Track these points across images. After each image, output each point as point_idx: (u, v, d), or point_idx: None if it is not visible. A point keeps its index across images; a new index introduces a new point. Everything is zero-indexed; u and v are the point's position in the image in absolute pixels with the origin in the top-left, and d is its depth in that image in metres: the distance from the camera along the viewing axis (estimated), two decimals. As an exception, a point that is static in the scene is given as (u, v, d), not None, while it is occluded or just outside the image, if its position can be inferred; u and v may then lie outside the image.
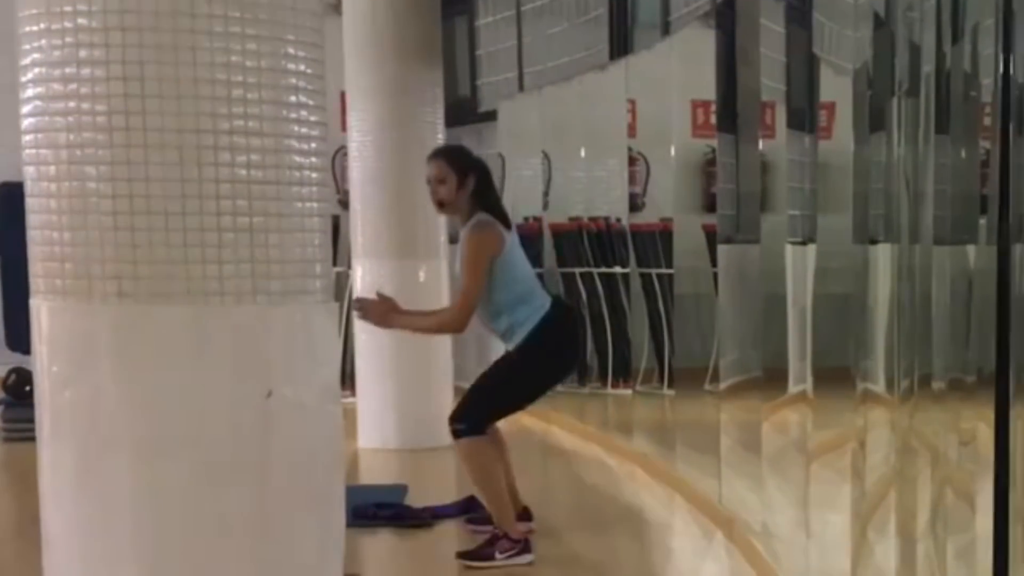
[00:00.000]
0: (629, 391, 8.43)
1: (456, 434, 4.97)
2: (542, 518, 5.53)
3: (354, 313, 5.14)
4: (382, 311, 5.05)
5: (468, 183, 5.02)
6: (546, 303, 5.06)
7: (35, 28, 2.53)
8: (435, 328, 5.04)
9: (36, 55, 2.54)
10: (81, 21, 2.48)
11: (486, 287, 4.94)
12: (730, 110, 5.57)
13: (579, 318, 5.51)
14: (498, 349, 5.33)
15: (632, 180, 8.77)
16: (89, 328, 2.57)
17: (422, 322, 5.08)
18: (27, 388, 7.25)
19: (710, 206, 6.70)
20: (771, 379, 4.95)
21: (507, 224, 5.11)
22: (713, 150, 6.53)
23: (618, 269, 8.89)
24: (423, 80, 7.66)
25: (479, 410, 5.02)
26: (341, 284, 8.27)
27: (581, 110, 9.01)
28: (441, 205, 5.11)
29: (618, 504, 6.21)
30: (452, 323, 5.03)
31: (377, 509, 5.65)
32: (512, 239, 5.05)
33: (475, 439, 4.96)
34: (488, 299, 4.99)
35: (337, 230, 8.56)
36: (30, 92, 2.56)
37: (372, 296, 5.22)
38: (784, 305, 4.64)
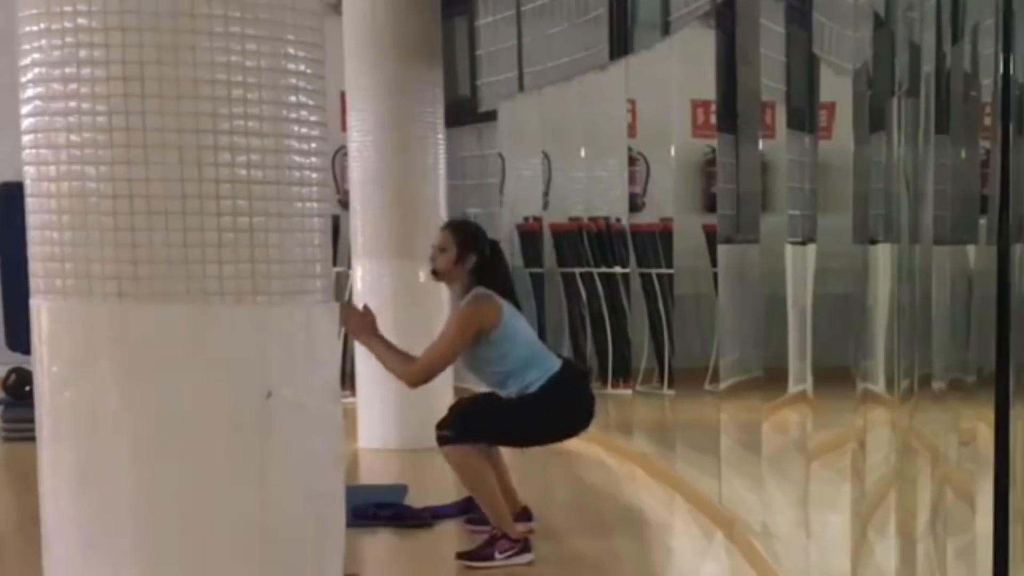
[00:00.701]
0: (629, 391, 8.42)
1: (441, 440, 4.99)
2: (542, 518, 5.53)
3: (343, 313, 5.15)
4: (361, 324, 5.07)
5: (467, 260, 5.06)
6: (555, 366, 5.09)
7: (35, 28, 2.53)
8: (394, 371, 5.05)
9: (36, 55, 2.54)
10: (81, 21, 2.48)
11: (488, 358, 5.00)
12: (730, 110, 5.57)
13: (589, 381, 5.51)
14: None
15: (632, 180, 8.77)
16: (89, 328, 2.57)
17: (386, 358, 5.06)
18: (27, 388, 7.25)
19: (710, 206, 6.70)
20: (771, 379, 4.95)
21: (512, 299, 5.12)
22: (713, 150, 6.53)
23: (618, 269, 8.89)
24: (423, 80, 7.66)
25: (468, 428, 5.02)
26: (341, 284, 8.27)
27: (581, 110, 9.01)
28: (435, 273, 5.17)
29: (618, 504, 6.21)
30: (410, 378, 5.02)
31: (377, 509, 5.65)
32: (511, 311, 5.06)
33: (459, 446, 4.97)
34: (490, 369, 5.05)
35: (337, 230, 8.56)
36: (30, 92, 2.56)
37: (360, 305, 5.25)
38: (784, 305, 4.64)
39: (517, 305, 5.18)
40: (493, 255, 5.19)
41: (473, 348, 5.00)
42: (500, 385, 5.08)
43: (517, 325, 5.08)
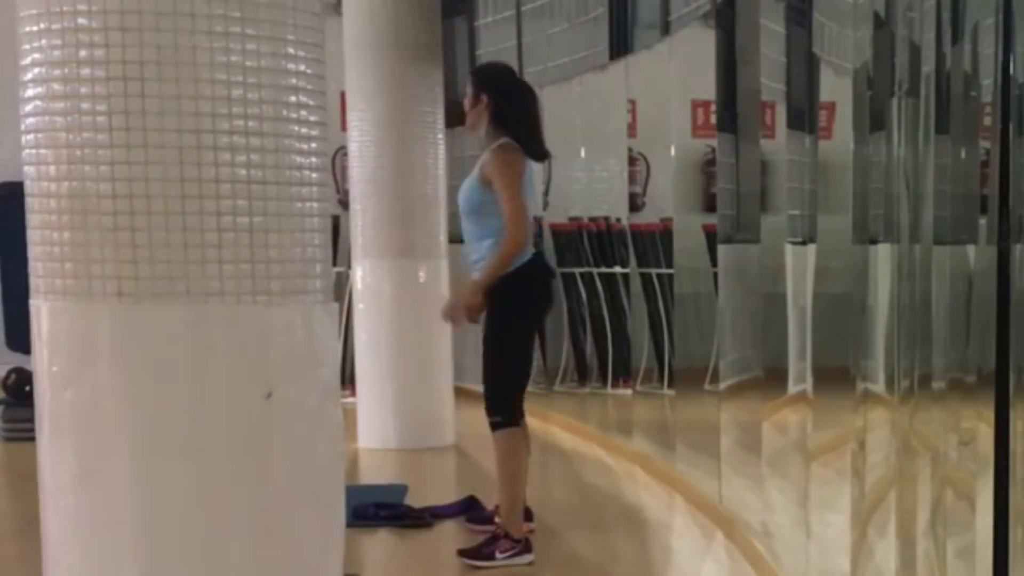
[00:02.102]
0: (629, 391, 8.42)
1: (494, 426, 4.97)
2: (542, 518, 5.53)
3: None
4: (467, 302, 5.02)
5: (480, 102, 5.01)
6: (528, 252, 5.01)
7: (35, 28, 2.53)
8: (507, 255, 4.90)
9: (36, 55, 2.54)
10: (81, 21, 2.48)
11: (487, 206, 4.91)
12: (730, 110, 5.58)
13: (552, 272, 5.43)
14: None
15: (632, 180, 8.76)
16: (89, 328, 2.57)
17: (496, 262, 4.94)
18: (27, 388, 7.25)
19: (710, 206, 6.69)
20: (771, 379, 4.95)
21: (536, 156, 5.04)
22: (713, 150, 6.53)
23: (618, 269, 8.89)
24: (423, 80, 7.66)
25: (503, 392, 5.00)
26: (341, 284, 8.27)
27: (581, 110, 9.01)
28: (463, 123, 5.17)
29: (618, 504, 6.21)
30: (516, 241, 4.87)
31: (377, 509, 5.65)
32: (529, 173, 4.99)
33: (510, 432, 4.95)
34: (485, 220, 4.95)
35: (337, 230, 8.56)
36: (30, 92, 2.56)
37: (450, 303, 5.23)
38: (784, 305, 4.64)
39: (538, 156, 5.06)
40: (521, 98, 5.06)
41: (484, 191, 4.93)
42: (478, 239, 4.98)
43: (528, 189, 5.02)
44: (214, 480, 2.60)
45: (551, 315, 9.06)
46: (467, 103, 5.09)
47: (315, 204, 2.68)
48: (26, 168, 2.61)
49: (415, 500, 5.95)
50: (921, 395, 3.32)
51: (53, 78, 2.52)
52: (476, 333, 7.17)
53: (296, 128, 2.63)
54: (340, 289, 8.21)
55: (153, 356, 2.56)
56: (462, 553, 5.02)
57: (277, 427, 2.63)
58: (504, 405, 4.98)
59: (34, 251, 2.62)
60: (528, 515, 5.37)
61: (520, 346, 5.15)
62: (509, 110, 5.03)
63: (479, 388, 5.37)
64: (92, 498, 2.61)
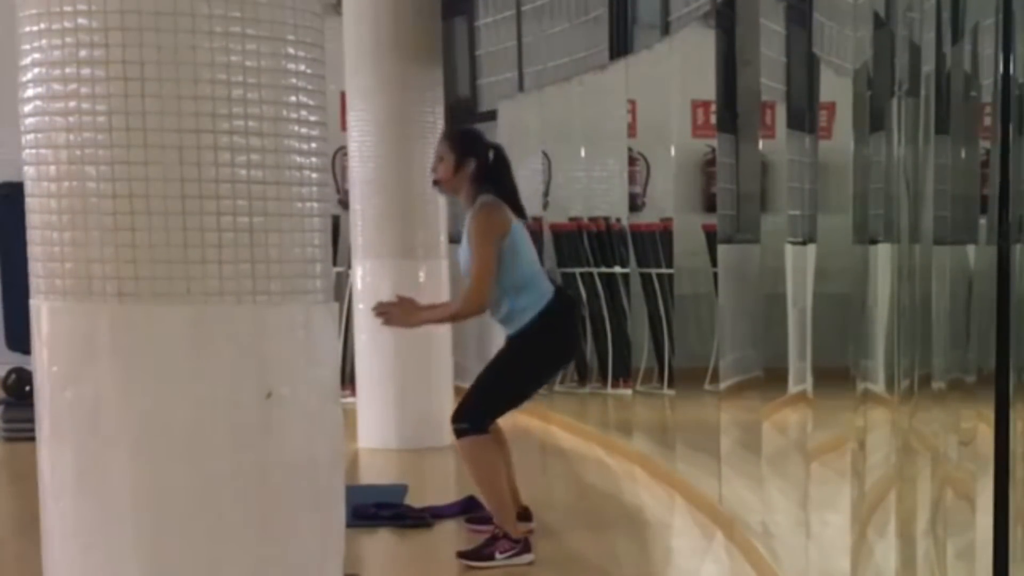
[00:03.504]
0: (629, 391, 8.42)
1: (459, 433, 4.98)
2: (542, 518, 5.53)
3: (377, 320, 5.14)
4: (405, 311, 5.06)
5: (466, 166, 5.03)
6: (549, 292, 5.05)
7: (35, 28, 2.53)
8: (457, 314, 5.01)
9: (36, 55, 2.54)
10: (81, 21, 2.49)
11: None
12: (730, 110, 5.57)
13: (579, 310, 5.51)
14: (498, 347, 5.32)
15: (632, 180, 8.76)
16: (89, 328, 2.57)
17: (444, 312, 5.07)
18: (27, 388, 7.25)
19: (710, 206, 6.69)
20: (771, 379, 4.95)
21: (518, 212, 5.09)
22: (713, 150, 6.53)
23: (618, 269, 8.88)
24: (423, 80, 7.66)
25: (481, 408, 5.02)
26: (341, 284, 8.28)
27: (581, 110, 9.01)
28: (436, 183, 5.15)
29: (618, 504, 6.21)
30: (471, 303, 4.94)
31: (377, 509, 5.65)
32: (519, 226, 5.04)
33: (478, 438, 4.96)
34: (495, 282, 4.96)
35: (337, 230, 8.56)
36: (30, 92, 2.56)
37: (391, 299, 5.20)
38: (784, 305, 4.64)
39: (522, 214, 5.12)
40: (497, 160, 5.15)
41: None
42: (496, 302, 5.01)
43: (523, 239, 5.05)
44: (214, 480, 2.60)
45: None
46: (446, 168, 5.07)
47: (315, 204, 2.68)
48: (26, 168, 2.61)
49: (415, 500, 5.95)
50: (921, 395, 3.32)
51: (53, 78, 2.52)
52: (477, 334, 7.17)
53: (296, 128, 2.63)
54: (340, 289, 8.22)
55: (153, 356, 2.56)
56: (462, 555, 5.02)
57: (277, 427, 2.63)
58: (476, 417, 4.99)
59: (34, 251, 2.62)
60: (527, 515, 5.37)
61: (525, 385, 5.21)
62: (494, 172, 5.10)
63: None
64: (92, 498, 2.61)
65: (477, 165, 5.04)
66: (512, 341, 5.05)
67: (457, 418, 5.01)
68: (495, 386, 5.09)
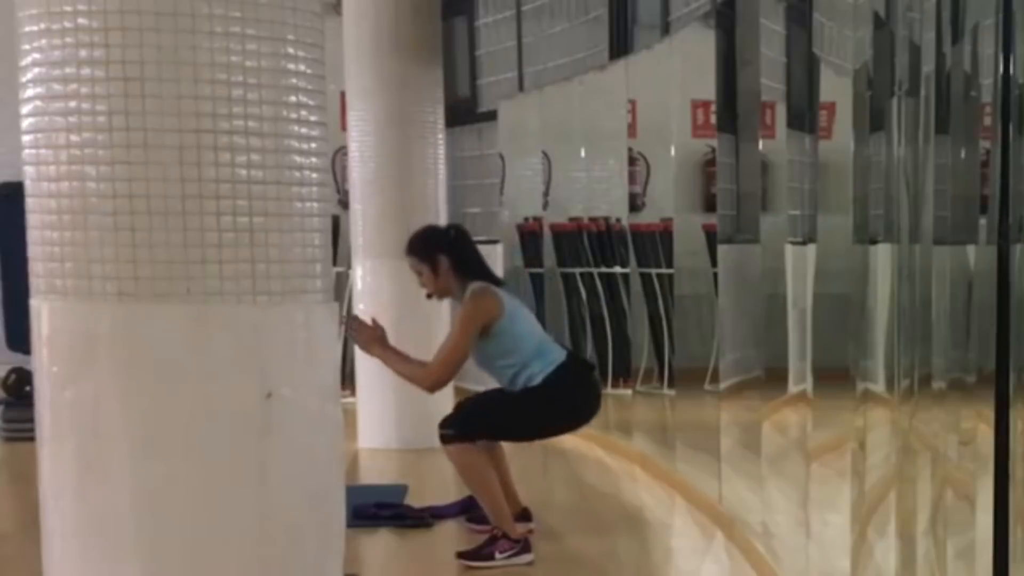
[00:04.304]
0: (629, 391, 8.42)
1: (443, 439, 5.00)
2: (542, 518, 5.53)
3: (344, 328, 5.18)
4: (370, 337, 5.09)
5: (441, 264, 5.05)
6: (560, 356, 5.08)
7: (35, 28, 2.53)
8: (409, 378, 5.06)
9: (36, 55, 2.54)
10: (81, 21, 2.48)
11: (494, 352, 4.99)
12: (730, 110, 5.57)
13: (594, 373, 5.52)
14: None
15: (632, 180, 8.76)
16: (89, 328, 2.57)
17: (400, 366, 5.08)
18: (27, 388, 7.24)
19: (710, 206, 6.69)
20: (771, 379, 4.95)
21: (497, 282, 5.14)
22: (713, 150, 6.53)
23: (618, 269, 8.88)
24: (423, 80, 7.66)
25: (473, 425, 5.04)
26: (341, 284, 8.27)
27: (581, 110, 9.01)
28: (430, 296, 5.19)
29: (618, 504, 6.21)
30: (426, 382, 5.02)
31: (377, 509, 5.65)
32: (514, 303, 5.06)
33: (462, 444, 4.98)
34: (497, 363, 5.04)
35: (337, 230, 8.56)
36: (30, 92, 2.56)
37: (368, 319, 5.24)
38: (784, 305, 4.64)
39: (495, 279, 5.15)
40: (458, 240, 5.17)
41: (481, 344, 5.00)
42: (511, 381, 5.07)
43: (520, 316, 5.08)
44: (214, 480, 2.60)
45: (551, 314, 9.10)
46: (428, 278, 5.09)
47: (315, 204, 2.68)
48: (26, 168, 2.61)
49: (415, 500, 5.95)
50: (921, 395, 3.32)
51: (53, 78, 2.52)
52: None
53: (296, 128, 2.63)
54: (340, 289, 8.21)
55: (153, 356, 2.56)
56: (462, 555, 5.02)
57: (277, 427, 2.63)
58: (467, 429, 5.01)
59: (34, 251, 2.62)
60: (527, 515, 5.38)
61: (527, 430, 5.27)
62: (464, 255, 5.12)
63: (476, 389, 5.38)
64: (92, 498, 2.61)
65: (448, 256, 5.06)
66: (525, 391, 5.07)
67: (445, 424, 5.02)
68: (496, 416, 5.12)
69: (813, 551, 4.23)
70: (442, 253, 5.07)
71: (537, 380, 5.02)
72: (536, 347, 5.07)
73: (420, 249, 5.13)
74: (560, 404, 5.12)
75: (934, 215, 3.24)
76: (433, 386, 5.04)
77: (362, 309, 7.68)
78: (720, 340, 5.93)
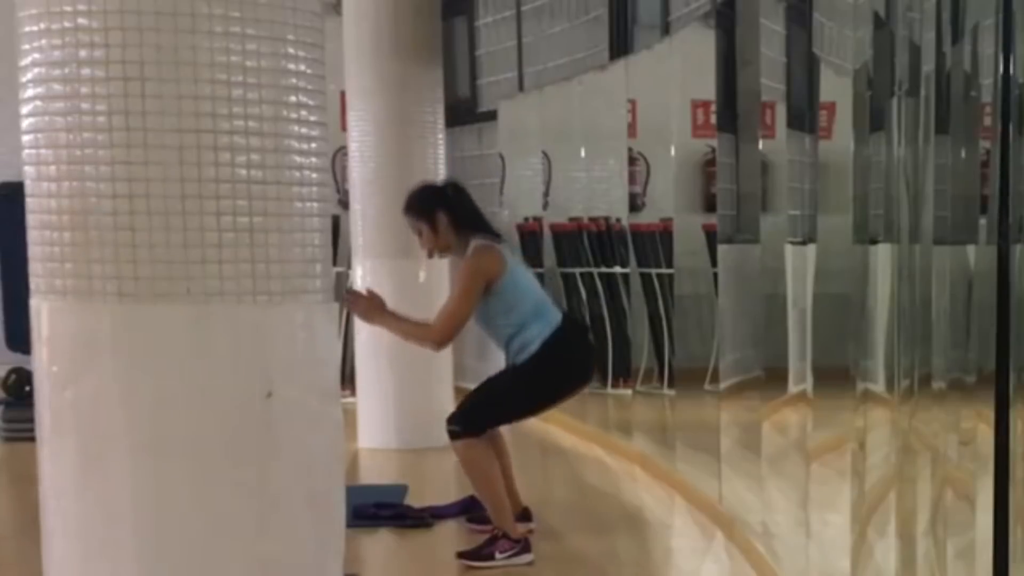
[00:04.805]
0: (629, 391, 8.42)
1: (452, 435, 4.99)
2: (542, 518, 5.53)
3: (345, 304, 5.16)
4: (369, 306, 5.06)
5: (440, 221, 5.02)
6: (556, 319, 5.07)
7: (35, 28, 2.53)
8: (415, 337, 5.04)
9: (36, 55, 2.54)
10: (81, 21, 2.48)
11: (494, 310, 4.96)
12: (730, 110, 5.57)
13: (589, 335, 5.50)
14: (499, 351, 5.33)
15: (632, 180, 8.76)
16: (89, 328, 2.57)
17: (404, 328, 5.06)
18: (27, 388, 7.24)
19: (710, 206, 6.69)
20: (771, 379, 4.95)
21: (497, 236, 5.11)
22: (713, 150, 6.53)
23: (618, 269, 8.88)
24: (423, 80, 7.66)
25: (478, 415, 5.03)
26: (341, 284, 8.27)
27: (581, 110, 9.01)
28: (431, 255, 5.17)
29: (618, 504, 6.21)
30: (433, 338, 4.98)
31: (377, 509, 5.65)
32: (516, 261, 5.05)
33: (470, 440, 4.97)
34: (497, 322, 5.02)
35: (337, 230, 8.56)
36: (30, 92, 2.56)
37: (363, 291, 5.24)
38: (784, 305, 4.64)
39: (494, 234, 5.13)
40: (456, 192, 5.15)
41: (483, 301, 4.96)
42: (507, 341, 5.04)
43: (520, 274, 5.07)
44: (214, 480, 2.60)
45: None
46: (428, 237, 5.07)
47: (315, 204, 2.68)
48: (26, 168, 2.61)
49: (415, 500, 5.95)
50: (921, 395, 3.32)
51: (53, 78, 2.52)
52: (477, 333, 7.17)
53: (296, 128, 2.63)
54: (340, 289, 8.21)
55: (153, 356, 2.56)
56: (462, 555, 5.02)
57: (277, 427, 2.63)
58: (472, 423, 5.00)
59: (34, 251, 2.62)
60: (527, 515, 5.38)
61: (526, 405, 5.23)
62: (462, 210, 5.09)
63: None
64: (92, 498, 2.61)
65: (446, 213, 5.03)
66: (522, 364, 5.06)
67: (452, 420, 5.02)
68: (497, 400, 5.11)
69: (813, 551, 4.23)
70: (440, 210, 5.03)
71: (534, 346, 4.99)
72: (535, 306, 5.03)
73: (417, 207, 5.10)
74: (557, 373, 5.09)
75: (934, 215, 3.24)
76: (440, 342, 4.98)
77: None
78: (720, 340, 5.93)
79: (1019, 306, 2.85)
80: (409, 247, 7.52)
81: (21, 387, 7.91)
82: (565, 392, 5.29)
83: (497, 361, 5.93)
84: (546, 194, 9.42)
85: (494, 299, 4.95)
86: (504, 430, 5.40)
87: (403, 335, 5.06)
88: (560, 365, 5.08)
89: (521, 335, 5.01)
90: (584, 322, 5.53)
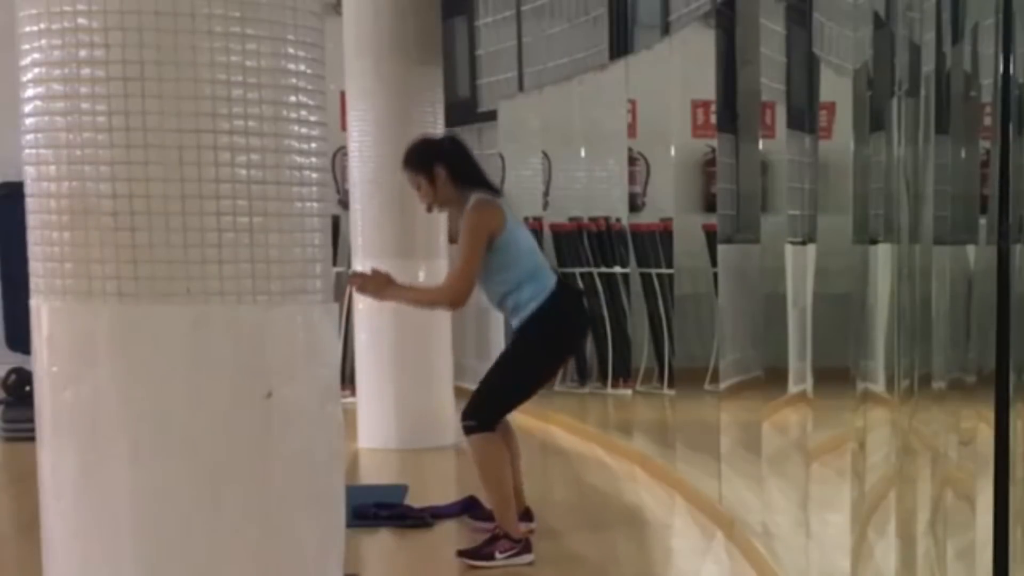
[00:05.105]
0: (629, 391, 8.43)
1: (468, 430, 4.98)
2: (542, 518, 5.53)
3: (351, 287, 5.14)
4: (379, 283, 5.05)
5: (439, 175, 5.00)
6: (551, 282, 5.04)
7: (35, 28, 2.53)
8: (431, 301, 5.01)
9: (36, 55, 2.54)
10: (81, 21, 2.48)
11: (492, 267, 4.92)
12: (730, 110, 5.58)
13: (583, 299, 5.47)
14: (499, 348, 5.33)
15: (632, 180, 8.76)
16: (89, 328, 2.57)
17: (418, 295, 5.04)
18: (27, 388, 7.24)
19: (710, 206, 6.70)
20: (771, 379, 4.95)
21: (496, 192, 5.09)
22: (713, 150, 6.53)
23: (618, 269, 8.89)
24: (423, 80, 7.66)
25: (490, 405, 5.02)
26: (341, 284, 8.27)
27: (581, 110, 9.01)
28: (430, 209, 5.13)
29: (618, 504, 6.21)
30: (448, 297, 4.95)
31: (377, 509, 5.65)
32: (516, 220, 5.04)
33: (487, 435, 4.96)
34: (494, 279, 4.97)
35: (337, 230, 8.56)
36: (30, 92, 2.56)
37: (367, 270, 5.22)
38: (784, 305, 4.64)
39: (493, 188, 5.11)
40: (454, 149, 5.14)
41: (484, 257, 4.94)
42: (500, 301, 5.02)
43: (520, 231, 5.05)
44: (214, 480, 2.60)
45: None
46: (426, 191, 5.05)
47: (315, 204, 2.68)
48: (26, 168, 2.61)
49: (415, 500, 5.95)
50: (921, 395, 3.32)
51: (53, 78, 2.52)
52: (476, 333, 7.17)
53: (296, 128, 2.63)
54: (340, 289, 8.21)
55: (153, 356, 2.56)
56: (462, 554, 5.02)
57: (277, 427, 2.63)
58: (485, 415, 4.99)
59: (34, 251, 2.62)
60: (528, 515, 5.37)
61: (532, 379, 5.17)
62: (461, 164, 5.07)
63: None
64: (92, 498, 2.61)
65: (446, 167, 5.01)
66: (517, 335, 5.05)
67: (467, 415, 5.01)
68: (503, 383, 5.09)
69: (813, 551, 4.23)
70: (438, 163, 5.01)
71: (527, 310, 4.95)
72: (532, 267, 4.99)
73: (416, 161, 5.08)
74: (553, 340, 5.06)
75: (934, 215, 3.24)
76: (454, 300, 4.94)
77: (362, 309, 7.70)
78: (720, 340, 5.93)
79: (1019, 306, 2.85)
80: (409, 247, 7.57)
81: (21, 387, 7.92)
82: (563, 356, 5.27)
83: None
84: (546, 194, 9.43)
85: (492, 255, 4.90)
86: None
87: (417, 303, 5.02)
88: (554, 331, 5.04)
89: (515, 294, 4.97)
90: (578, 287, 5.48)
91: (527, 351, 5.04)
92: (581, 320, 5.30)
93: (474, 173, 5.10)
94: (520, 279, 4.96)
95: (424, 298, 5.04)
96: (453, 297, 4.94)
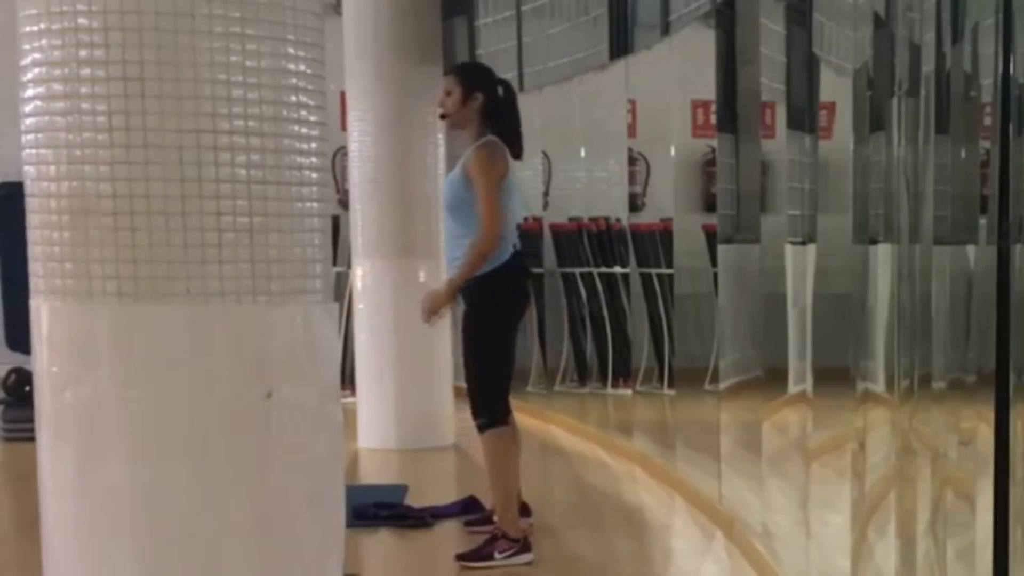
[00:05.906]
0: (629, 391, 8.42)
1: (480, 428, 4.99)
2: (542, 518, 5.53)
3: (429, 323, 5.17)
4: (435, 301, 5.05)
5: (474, 100, 4.98)
6: (508, 252, 5.01)
7: (35, 28, 2.53)
8: (480, 255, 4.93)
9: (36, 55, 2.54)
10: (81, 21, 2.48)
11: (472, 202, 4.90)
12: (730, 110, 5.57)
13: (529, 277, 5.44)
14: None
15: (632, 180, 8.76)
16: (89, 328, 2.57)
17: (469, 263, 4.96)
18: (27, 388, 7.24)
19: (710, 206, 6.69)
20: (771, 379, 4.95)
21: (518, 150, 5.07)
22: (713, 150, 6.53)
23: (618, 269, 8.89)
24: (423, 80, 7.65)
25: (485, 393, 5.01)
26: (341, 284, 8.27)
27: (581, 110, 9.01)
28: (443, 117, 5.11)
29: (618, 504, 6.21)
30: (488, 244, 4.89)
31: (377, 509, 5.65)
32: (513, 172, 5.02)
33: (499, 431, 4.97)
34: (464, 216, 4.94)
35: (337, 230, 8.56)
36: (30, 92, 2.56)
37: (428, 301, 5.17)
38: (784, 305, 4.64)
39: (520, 154, 5.10)
40: (506, 95, 5.11)
41: (467, 187, 4.93)
42: (458, 236, 4.98)
43: (514, 195, 5.05)
44: (214, 480, 2.60)
45: (551, 314, 9.11)
46: (453, 101, 5.02)
47: (315, 204, 2.68)
48: (26, 168, 2.61)
49: (415, 500, 5.95)
50: (921, 395, 3.32)
51: (53, 78, 2.52)
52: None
53: (296, 128, 2.63)
54: (340, 289, 8.21)
55: (153, 356, 2.56)
56: (460, 557, 5.01)
57: (277, 427, 2.63)
58: (489, 406, 4.99)
59: (34, 251, 2.62)
60: (526, 510, 5.37)
61: (499, 346, 5.12)
62: (501, 108, 5.05)
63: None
64: (92, 498, 2.61)
65: (485, 100, 5.00)
66: (467, 313, 5.04)
67: (475, 414, 5.01)
68: (483, 365, 5.06)
69: (813, 551, 4.23)
70: (483, 90, 5.00)
71: (481, 270, 4.91)
72: (504, 229, 4.95)
73: (466, 73, 5.09)
74: (501, 304, 5.03)
75: (934, 215, 3.24)
76: (492, 242, 4.88)
77: (362, 309, 7.70)
78: (720, 340, 5.93)
79: (1019, 306, 2.85)
80: (409, 247, 7.57)
81: (21, 387, 7.91)
82: (516, 319, 5.20)
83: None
84: (546, 194, 9.42)
85: (476, 194, 4.89)
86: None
87: (471, 269, 4.94)
88: (501, 299, 5.02)
89: (469, 245, 4.92)
90: (528, 268, 5.43)
91: (482, 327, 5.01)
92: (524, 292, 5.26)
93: (507, 124, 5.06)
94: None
95: (472, 261, 4.95)
96: (492, 242, 4.89)
